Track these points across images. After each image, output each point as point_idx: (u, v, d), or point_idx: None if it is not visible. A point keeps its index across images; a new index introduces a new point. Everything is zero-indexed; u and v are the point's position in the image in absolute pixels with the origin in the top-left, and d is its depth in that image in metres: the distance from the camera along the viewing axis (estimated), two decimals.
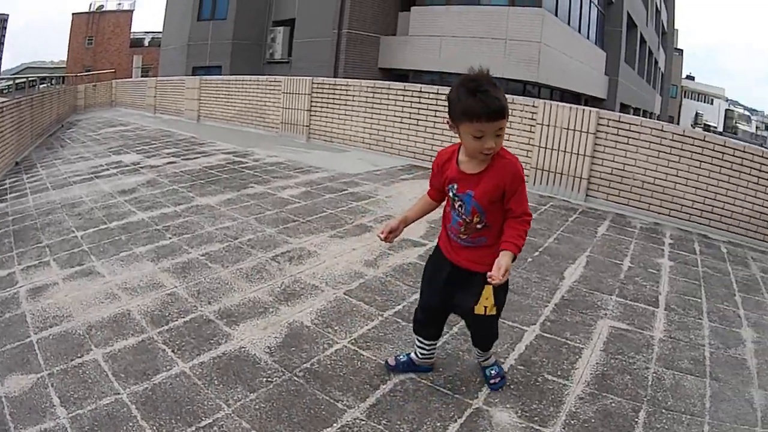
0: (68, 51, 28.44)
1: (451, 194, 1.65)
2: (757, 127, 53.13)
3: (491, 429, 1.60)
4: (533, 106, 5.01)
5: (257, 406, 1.57)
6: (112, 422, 1.52)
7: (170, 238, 3.14)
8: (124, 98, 14.23)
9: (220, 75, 13.02)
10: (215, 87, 9.37)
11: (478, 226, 1.62)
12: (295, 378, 1.75)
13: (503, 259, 1.52)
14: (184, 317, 2.15)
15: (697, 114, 44.45)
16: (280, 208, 3.82)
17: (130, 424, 1.51)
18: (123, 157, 6.09)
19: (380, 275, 2.71)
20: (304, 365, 1.84)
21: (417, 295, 2.50)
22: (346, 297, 2.43)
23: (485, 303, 1.61)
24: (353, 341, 2.04)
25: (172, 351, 1.88)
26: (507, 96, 1.50)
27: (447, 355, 2.02)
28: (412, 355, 1.88)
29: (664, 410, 1.83)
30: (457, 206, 1.64)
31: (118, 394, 1.64)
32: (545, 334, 2.24)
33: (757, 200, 4.47)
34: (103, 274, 2.60)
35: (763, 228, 4.53)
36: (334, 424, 1.52)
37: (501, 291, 1.66)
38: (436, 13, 12.31)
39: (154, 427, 1.50)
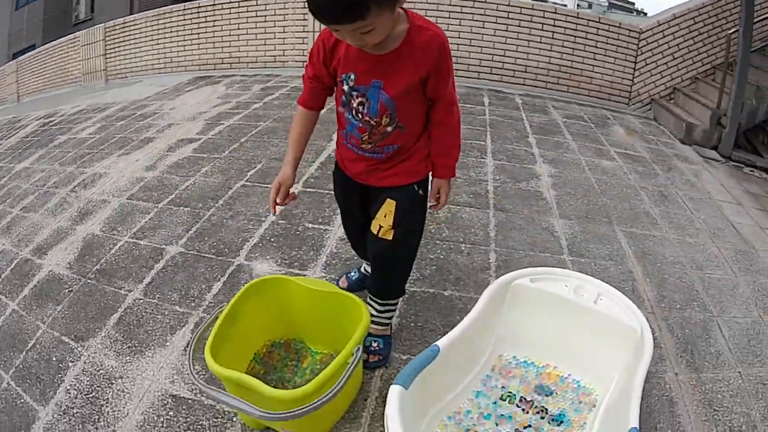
0: None
1: (345, 88, 1.24)
2: None
3: (252, 278, 1.95)
4: None
5: (63, 315, 1.97)
6: None
7: None
8: None
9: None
10: (29, 64, 9.10)
11: (388, 129, 1.27)
12: (88, 281, 2.16)
13: (444, 187, 1.43)
14: (11, 265, 2.42)
15: None
16: (78, 148, 4.02)
17: None
18: None
19: (158, 174, 3.09)
20: (95, 267, 2.25)
21: (188, 180, 2.99)
22: (129, 201, 2.81)
23: (381, 222, 1.38)
24: (132, 235, 2.47)
25: (5, 296, 2.18)
26: None
27: (212, 225, 2.52)
28: (362, 268, 1.90)
29: (438, 241, 2.27)
30: (355, 104, 1.25)
31: None
32: (308, 189, 2.78)
33: (553, 54, 4.70)
34: None
35: (564, 80, 4.78)
36: (119, 309, 1.98)
37: (411, 211, 1.39)
38: None
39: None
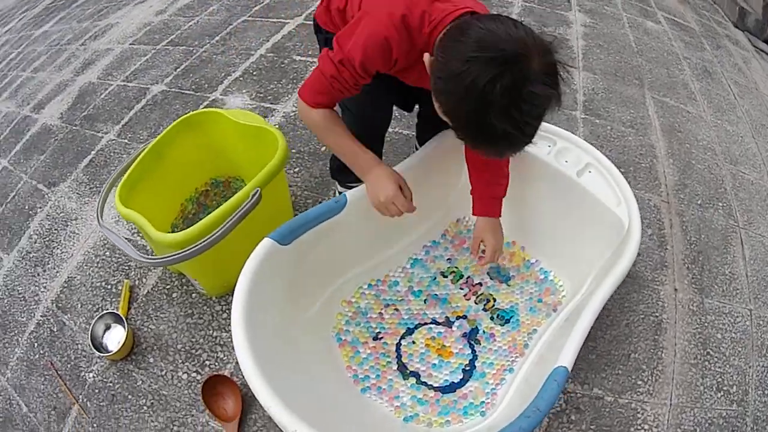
0: None
1: None
2: None
3: (229, 107, 1.89)
4: None
5: (44, 164, 1.96)
6: None
7: (11, 74, 3.26)
8: None
9: None
10: None
11: None
12: (74, 127, 2.10)
13: (495, 232, 1.16)
14: (9, 126, 2.44)
15: None
16: (98, 3, 3.76)
17: None
18: None
19: (165, 18, 2.84)
20: (83, 114, 2.17)
21: (192, 20, 2.71)
22: (131, 46, 2.63)
23: None
24: (125, 78, 2.32)
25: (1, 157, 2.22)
26: None
27: (201, 61, 2.30)
28: None
29: None
30: None
31: None
32: (307, 22, 2.43)
33: None
34: None
35: None
36: (92, 152, 1.91)
37: None
38: None
39: None
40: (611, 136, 1.84)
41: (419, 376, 1.11)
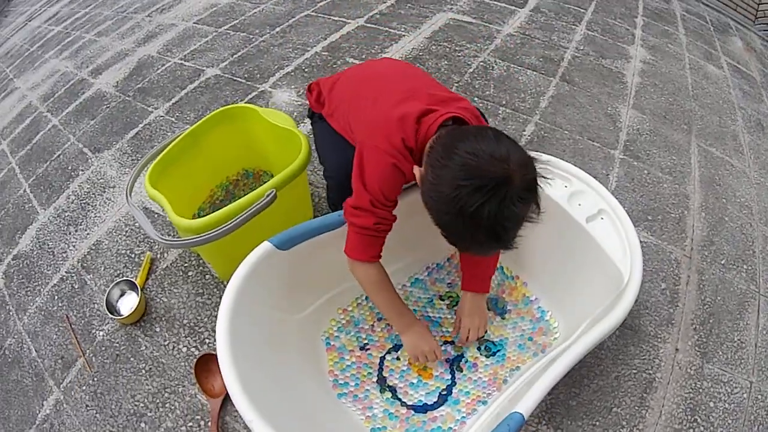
0: None
1: None
2: None
3: (277, 105, 1.97)
4: None
5: (92, 129, 2.09)
6: (4, 186, 2.00)
7: (74, 33, 3.47)
8: None
9: None
10: None
11: None
12: (126, 98, 2.23)
13: (478, 307, 1.19)
14: (65, 86, 2.60)
15: None
16: None
17: (13, 182, 1.98)
18: None
19: (232, 2, 2.95)
20: (137, 86, 2.29)
21: (258, 7, 2.80)
22: (194, 25, 2.76)
23: None
24: (183, 56, 2.44)
25: (50, 113, 2.37)
26: None
27: (257, 51, 2.38)
28: None
29: (476, 98, 1.98)
30: None
31: (10, 164, 2.13)
32: (368, 25, 2.48)
33: None
34: (19, 86, 3.02)
35: None
36: (139, 124, 2.02)
37: None
38: None
39: (26, 173, 1.98)
40: (646, 181, 1.80)
41: (396, 391, 1.14)
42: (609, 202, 1.19)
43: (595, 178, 1.25)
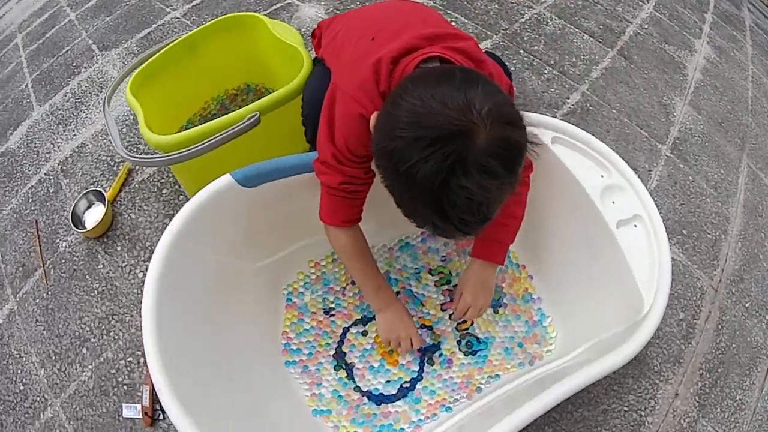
0: None
1: None
2: None
3: (301, 20, 1.80)
4: None
5: (107, 25, 1.94)
6: (9, 81, 1.84)
7: None
8: None
9: None
10: None
11: None
12: None
13: (485, 280, 0.97)
14: None
15: None
16: None
17: (18, 76, 1.83)
18: None
19: None
20: None
21: None
22: None
23: None
24: None
25: (70, 7, 2.14)
26: None
27: None
28: None
29: (524, 52, 1.78)
30: None
31: (20, 58, 1.95)
32: None
33: None
34: None
35: None
36: (153, 24, 1.86)
37: None
38: None
39: (32, 67, 1.83)
40: (689, 190, 1.54)
41: (352, 371, 1.00)
42: (648, 208, 0.97)
43: (635, 171, 1.01)
